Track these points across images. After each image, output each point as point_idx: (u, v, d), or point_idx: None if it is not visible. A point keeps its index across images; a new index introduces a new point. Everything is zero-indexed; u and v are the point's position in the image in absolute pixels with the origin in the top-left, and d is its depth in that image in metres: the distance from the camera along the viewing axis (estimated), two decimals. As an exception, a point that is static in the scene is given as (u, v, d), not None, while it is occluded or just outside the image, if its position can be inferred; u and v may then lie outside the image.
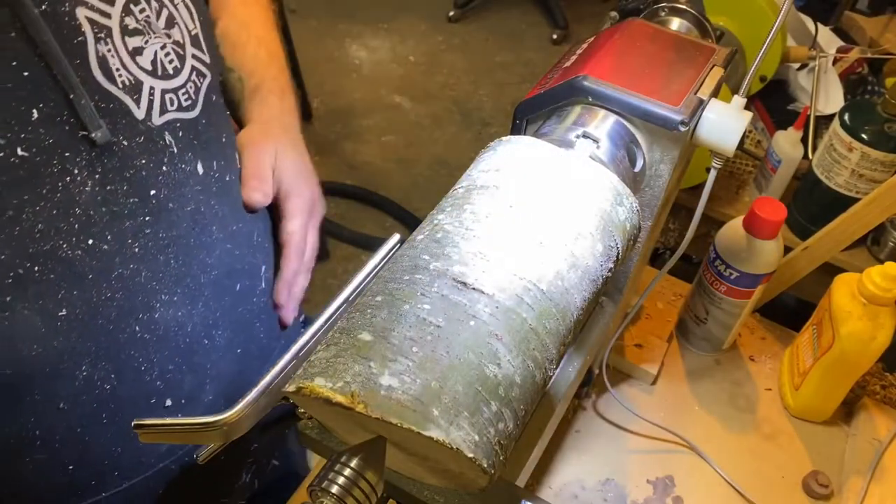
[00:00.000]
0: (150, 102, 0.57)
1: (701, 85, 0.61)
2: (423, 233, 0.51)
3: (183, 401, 0.69)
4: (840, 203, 1.02)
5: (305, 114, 2.75)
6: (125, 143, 0.56)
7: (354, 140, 2.74)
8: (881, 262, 1.06)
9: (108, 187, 0.55)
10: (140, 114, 0.56)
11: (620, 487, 0.83)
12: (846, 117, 1.05)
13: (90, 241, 0.55)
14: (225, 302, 0.71)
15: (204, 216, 0.65)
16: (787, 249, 0.95)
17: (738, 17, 1.08)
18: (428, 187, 2.57)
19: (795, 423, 0.92)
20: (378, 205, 2.46)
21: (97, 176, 0.54)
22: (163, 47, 0.58)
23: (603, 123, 0.61)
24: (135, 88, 0.56)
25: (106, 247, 0.57)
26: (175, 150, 0.60)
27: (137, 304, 0.61)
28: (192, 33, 0.62)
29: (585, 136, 0.59)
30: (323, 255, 2.69)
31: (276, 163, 0.75)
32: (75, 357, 0.59)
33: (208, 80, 0.64)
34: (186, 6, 0.62)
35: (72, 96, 0.51)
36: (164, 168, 0.60)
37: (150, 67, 0.57)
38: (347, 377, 0.42)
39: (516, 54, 3.22)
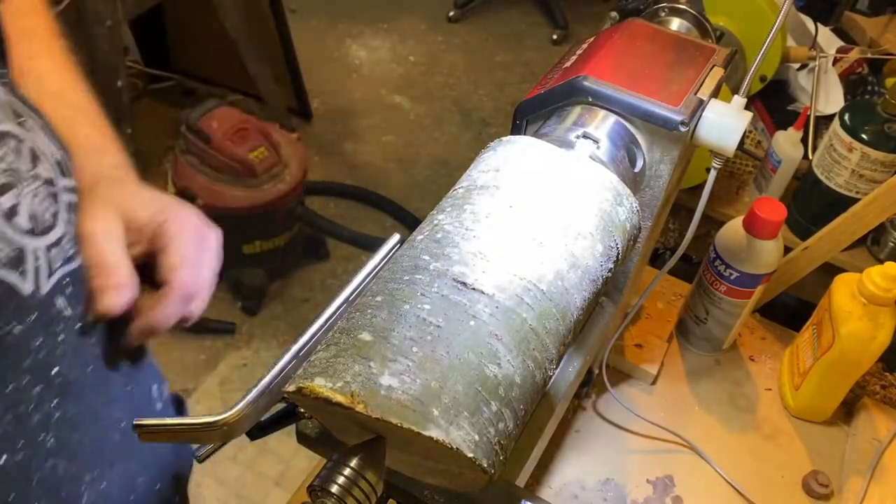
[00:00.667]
0: (37, 270, 0.49)
1: (701, 85, 0.61)
2: (423, 233, 0.51)
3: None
4: (840, 203, 1.02)
5: (306, 114, 2.74)
6: (19, 328, 0.47)
7: (354, 140, 2.74)
8: (881, 262, 1.06)
9: (10, 386, 0.48)
10: (28, 287, 0.48)
11: (620, 487, 0.83)
12: (846, 117, 1.05)
13: (3, 458, 0.49)
14: (141, 448, 0.64)
15: (101, 369, 0.58)
16: (787, 249, 0.95)
17: (738, 17, 1.08)
18: (428, 187, 2.57)
19: (795, 423, 0.92)
20: (378, 205, 2.46)
21: None
22: (35, 195, 0.49)
23: (603, 123, 0.61)
24: (18, 260, 0.47)
25: (19, 457, 0.50)
26: (67, 314, 0.53)
27: (63, 501, 0.55)
28: (55, 158, 0.53)
29: (585, 136, 0.59)
30: (323, 255, 2.68)
31: (126, 216, 0.57)
32: None
33: (74, 201, 0.56)
34: (42, 126, 0.53)
35: None
36: (61, 337, 0.52)
37: (28, 226, 0.48)
38: (347, 377, 0.42)
39: (516, 54, 3.22)
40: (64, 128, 0.57)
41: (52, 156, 0.52)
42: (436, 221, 0.51)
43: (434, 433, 0.40)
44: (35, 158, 0.50)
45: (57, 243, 0.51)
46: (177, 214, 0.59)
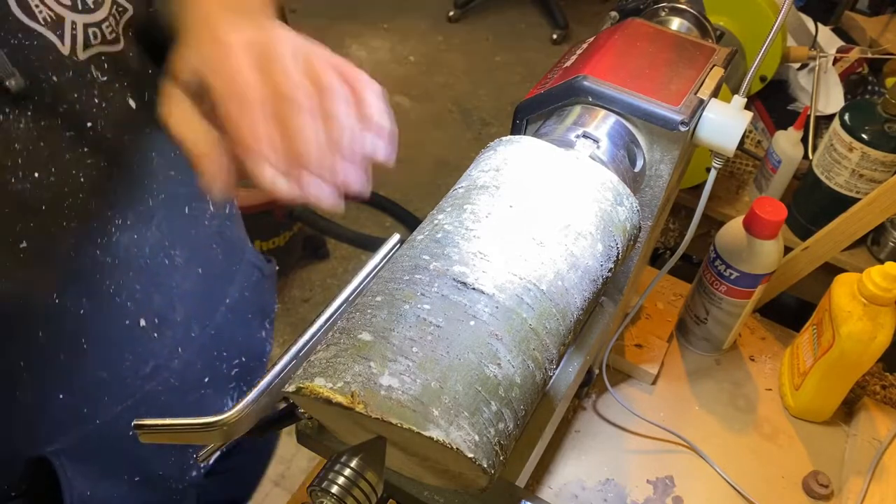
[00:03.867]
0: (74, 37, 0.57)
1: (701, 85, 0.61)
2: (423, 233, 0.51)
3: (156, 320, 0.72)
4: (840, 203, 1.02)
5: (305, 114, 2.75)
6: (55, 78, 0.56)
7: (354, 140, 2.74)
8: (881, 262, 1.06)
9: (43, 123, 0.56)
10: (65, 49, 0.56)
11: (620, 487, 0.83)
12: (846, 117, 1.05)
13: (36, 174, 0.56)
14: (176, 224, 0.72)
15: (141, 145, 0.66)
16: (787, 249, 0.95)
17: (738, 17, 1.08)
18: (428, 187, 2.56)
19: (795, 423, 0.92)
20: (378, 205, 2.46)
21: (29, 113, 0.55)
22: None
23: (603, 123, 0.61)
24: (57, 24, 0.55)
25: (53, 179, 0.57)
26: (104, 83, 0.60)
27: (93, 231, 0.63)
28: None
29: (585, 136, 0.59)
30: (323, 255, 2.68)
31: (193, 86, 0.49)
32: (43, 285, 0.61)
33: (129, 13, 0.62)
34: None
35: None
36: (97, 100, 0.59)
37: (69, 2, 0.56)
38: (347, 377, 0.42)
39: (516, 54, 3.22)
40: None
41: None
42: (436, 221, 0.51)
43: (434, 433, 0.40)
44: None
45: (97, 25, 0.58)
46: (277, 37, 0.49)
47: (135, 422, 0.48)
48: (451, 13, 3.37)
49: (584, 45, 0.69)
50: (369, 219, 2.43)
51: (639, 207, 0.57)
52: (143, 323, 0.70)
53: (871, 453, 0.86)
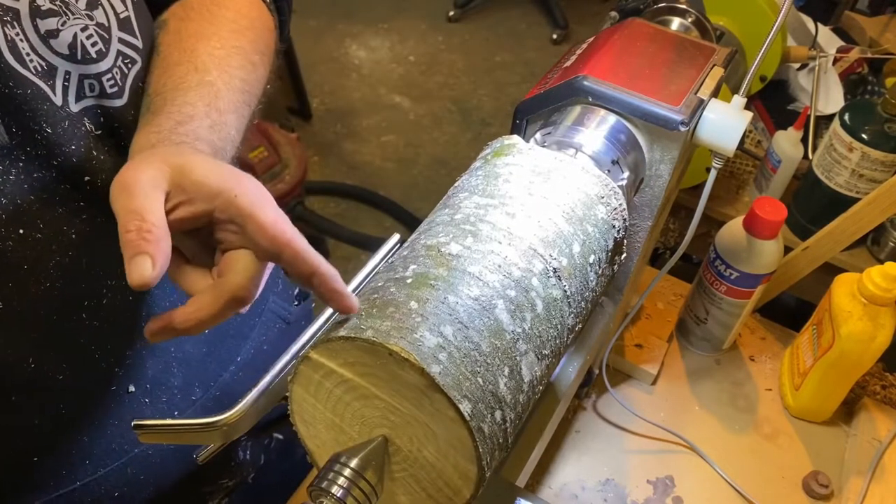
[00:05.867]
0: (66, 88, 0.53)
1: (701, 85, 0.61)
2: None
3: (148, 385, 0.67)
4: (840, 203, 1.02)
5: (305, 113, 2.75)
6: (49, 130, 0.52)
7: (354, 140, 2.74)
8: (881, 262, 1.06)
9: (35, 175, 0.52)
10: (58, 100, 0.53)
11: (620, 487, 0.83)
12: (846, 117, 1.05)
13: (21, 231, 0.52)
14: None
15: None
16: (787, 249, 0.95)
17: (738, 17, 1.08)
18: (428, 187, 2.56)
19: (795, 423, 0.92)
20: (378, 205, 2.46)
21: (21, 164, 0.52)
22: (84, 29, 0.54)
23: (603, 123, 0.60)
24: (48, 74, 0.52)
25: (39, 235, 0.54)
26: (99, 137, 0.56)
27: (81, 292, 0.58)
28: (122, 16, 0.57)
29: (585, 136, 0.59)
30: (323, 254, 2.68)
31: (176, 176, 0.46)
32: (19, 350, 0.56)
33: (138, 66, 0.59)
34: None
35: None
36: (94, 153, 0.56)
37: (66, 51, 0.53)
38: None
39: (516, 54, 3.22)
40: (185, 85, 0.57)
41: (116, 13, 0.57)
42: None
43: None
44: (94, 5, 0.55)
45: (96, 77, 0.55)
46: (247, 187, 0.47)
47: (134, 422, 0.48)
48: (451, 13, 3.37)
49: (584, 45, 0.69)
50: (369, 219, 2.43)
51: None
52: (132, 389, 0.65)
53: (871, 453, 0.86)
